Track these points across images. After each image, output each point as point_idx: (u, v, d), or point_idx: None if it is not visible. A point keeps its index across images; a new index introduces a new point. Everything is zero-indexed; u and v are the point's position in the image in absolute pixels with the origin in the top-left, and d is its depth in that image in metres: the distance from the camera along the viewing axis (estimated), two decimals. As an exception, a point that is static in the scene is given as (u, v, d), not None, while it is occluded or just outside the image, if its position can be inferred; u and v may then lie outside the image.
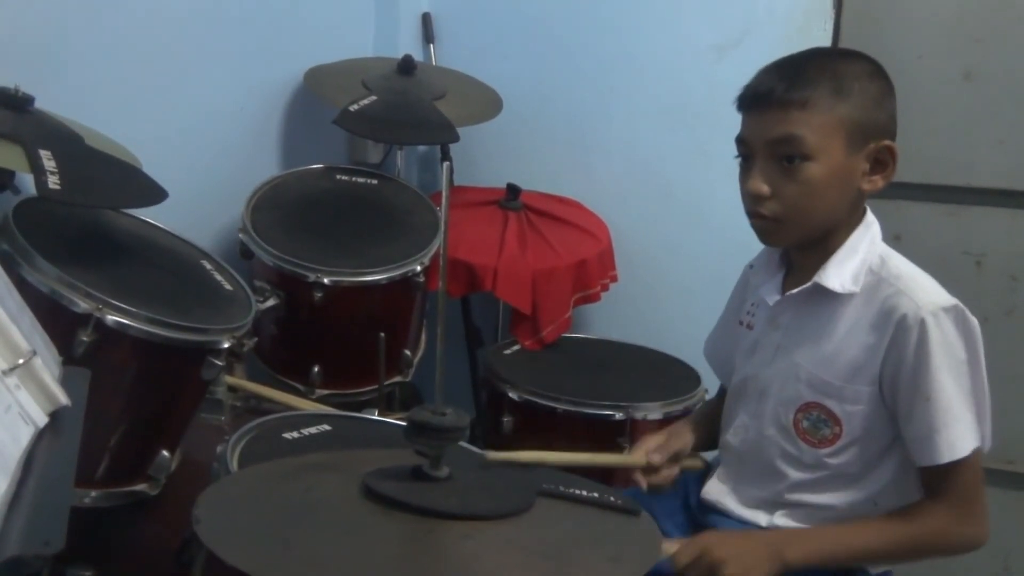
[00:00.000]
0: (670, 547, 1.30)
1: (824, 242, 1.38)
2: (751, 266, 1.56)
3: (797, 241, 1.40)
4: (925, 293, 1.32)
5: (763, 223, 1.37)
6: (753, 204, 1.36)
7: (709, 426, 1.61)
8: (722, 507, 1.49)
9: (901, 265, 1.37)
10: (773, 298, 1.45)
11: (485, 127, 2.41)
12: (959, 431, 1.29)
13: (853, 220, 1.39)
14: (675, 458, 1.53)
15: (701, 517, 1.52)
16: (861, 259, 1.37)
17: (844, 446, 1.37)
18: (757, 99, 1.35)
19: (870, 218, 1.41)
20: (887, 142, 1.35)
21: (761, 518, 1.44)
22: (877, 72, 1.37)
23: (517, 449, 1.39)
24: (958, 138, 2.30)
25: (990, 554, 2.38)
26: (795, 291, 1.41)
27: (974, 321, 1.32)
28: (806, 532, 1.37)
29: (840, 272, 1.36)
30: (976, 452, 1.31)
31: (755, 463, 1.45)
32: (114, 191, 1.54)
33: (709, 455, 1.62)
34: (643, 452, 1.51)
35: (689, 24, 2.46)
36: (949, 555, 1.39)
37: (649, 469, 1.49)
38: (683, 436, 1.57)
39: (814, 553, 1.33)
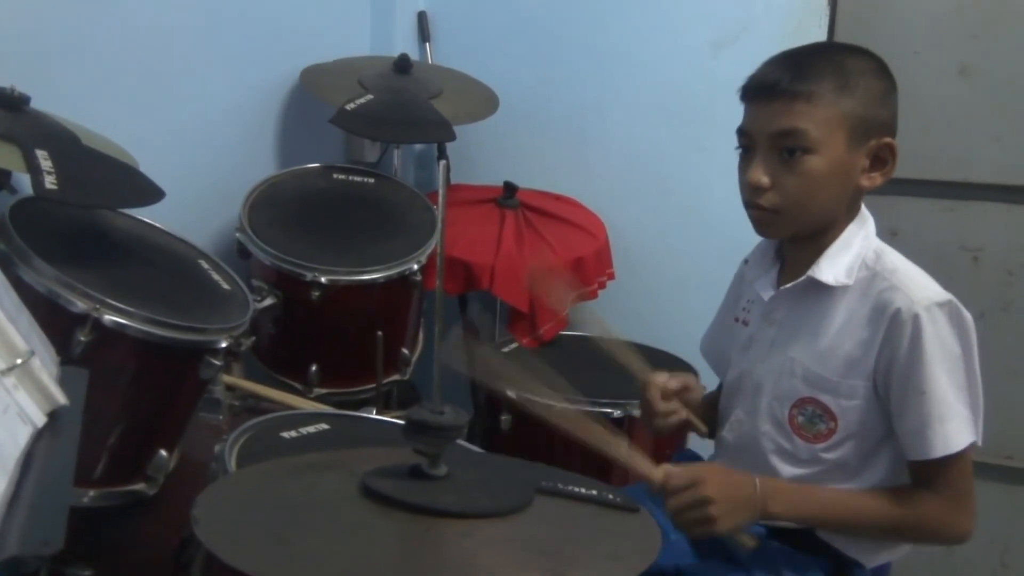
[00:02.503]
0: (658, 472, 1.31)
1: (819, 236, 1.38)
2: (746, 261, 1.56)
3: (793, 234, 1.40)
4: (919, 288, 1.32)
5: (761, 214, 1.37)
6: (752, 195, 1.36)
7: (710, 410, 1.61)
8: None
9: (896, 260, 1.37)
10: (768, 293, 1.45)
11: (482, 125, 2.41)
12: (955, 426, 1.29)
13: (849, 215, 1.39)
14: (683, 395, 1.53)
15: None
16: (855, 253, 1.37)
17: (839, 441, 1.37)
18: (761, 90, 1.35)
19: (865, 213, 1.41)
20: (888, 139, 1.35)
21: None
22: (881, 69, 1.37)
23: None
24: (954, 134, 2.31)
25: (987, 548, 2.39)
26: (789, 286, 1.41)
27: (968, 316, 1.32)
28: (795, 489, 1.38)
29: (833, 266, 1.37)
30: (970, 447, 1.31)
31: (750, 459, 1.45)
32: (111, 191, 1.53)
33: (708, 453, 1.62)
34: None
35: (686, 21, 2.46)
36: (932, 543, 1.40)
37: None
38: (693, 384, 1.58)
39: (797, 511, 1.35)
